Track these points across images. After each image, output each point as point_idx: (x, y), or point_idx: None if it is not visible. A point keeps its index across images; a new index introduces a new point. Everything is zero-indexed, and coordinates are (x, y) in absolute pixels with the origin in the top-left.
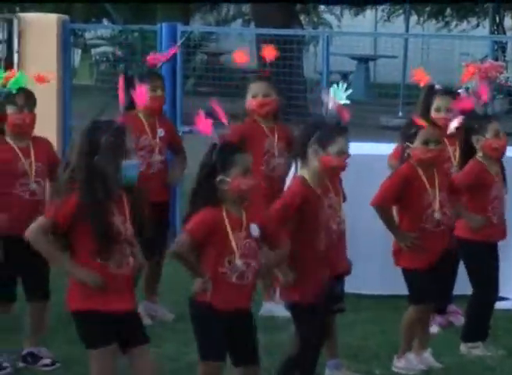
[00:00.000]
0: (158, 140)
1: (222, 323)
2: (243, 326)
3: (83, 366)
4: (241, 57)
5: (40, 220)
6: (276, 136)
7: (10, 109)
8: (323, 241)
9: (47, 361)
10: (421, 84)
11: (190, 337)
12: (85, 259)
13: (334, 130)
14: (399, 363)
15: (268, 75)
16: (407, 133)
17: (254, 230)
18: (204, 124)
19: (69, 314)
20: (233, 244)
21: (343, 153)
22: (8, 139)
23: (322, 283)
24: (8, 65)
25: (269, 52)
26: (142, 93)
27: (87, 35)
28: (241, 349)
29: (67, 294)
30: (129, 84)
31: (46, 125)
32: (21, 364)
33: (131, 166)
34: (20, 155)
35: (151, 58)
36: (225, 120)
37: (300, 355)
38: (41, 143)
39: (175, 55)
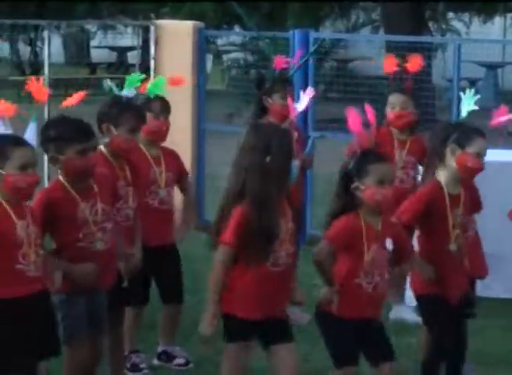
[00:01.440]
0: None
1: (351, 330)
2: (373, 330)
3: (214, 365)
4: (391, 65)
5: (222, 251)
6: (406, 149)
7: (147, 116)
8: (456, 243)
9: (181, 360)
10: None
11: (318, 338)
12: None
13: (473, 131)
14: None
15: (411, 87)
16: None
17: (389, 243)
18: (354, 121)
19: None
20: (368, 254)
21: (481, 154)
22: (141, 145)
23: (457, 286)
24: (144, 71)
25: (414, 64)
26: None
27: (219, 41)
28: (375, 349)
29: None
30: (263, 91)
31: (181, 129)
32: (156, 362)
33: (294, 167)
34: (152, 162)
35: (277, 61)
36: (373, 121)
37: (431, 361)
38: (170, 153)
39: (306, 61)
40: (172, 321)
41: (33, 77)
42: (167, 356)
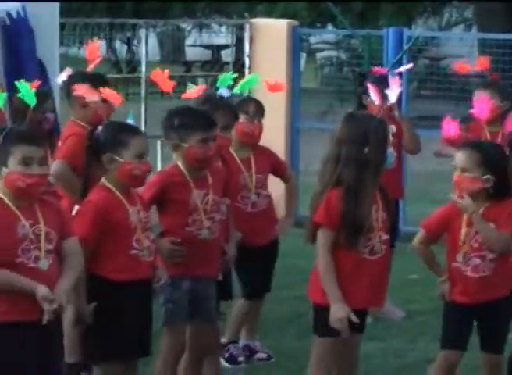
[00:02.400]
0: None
1: (461, 314)
2: (489, 316)
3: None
4: (463, 67)
5: (321, 235)
6: (499, 140)
7: (241, 117)
8: None
9: (263, 355)
10: None
11: (416, 334)
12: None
13: None
14: None
15: (496, 78)
16: None
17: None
18: (450, 127)
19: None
20: (463, 238)
21: None
22: (232, 150)
23: None
24: (238, 69)
25: (483, 63)
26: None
27: (312, 40)
28: (487, 336)
29: (311, 288)
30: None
31: (275, 126)
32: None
33: (390, 154)
34: (242, 167)
35: (377, 70)
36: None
37: None
38: (262, 153)
39: (400, 60)
40: (255, 316)
41: (157, 69)
42: (249, 350)
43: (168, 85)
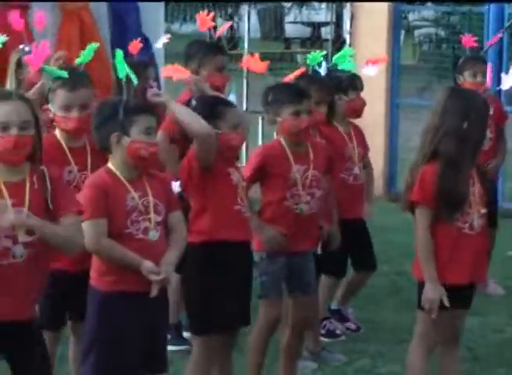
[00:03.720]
0: None
1: None
2: None
3: (388, 332)
4: None
5: (421, 214)
6: None
7: (350, 93)
8: None
9: (352, 326)
10: None
11: None
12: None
13: None
14: None
15: None
16: None
17: None
18: None
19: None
20: None
21: None
22: (336, 122)
23: None
24: (337, 47)
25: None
26: None
27: (411, 17)
28: None
29: (415, 264)
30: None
31: (375, 102)
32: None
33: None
34: (347, 139)
35: (466, 39)
36: None
37: None
38: (357, 128)
39: (501, 38)
40: (358, 287)
41: (249, 55)
42: (340, 316)
43: (261, 67)
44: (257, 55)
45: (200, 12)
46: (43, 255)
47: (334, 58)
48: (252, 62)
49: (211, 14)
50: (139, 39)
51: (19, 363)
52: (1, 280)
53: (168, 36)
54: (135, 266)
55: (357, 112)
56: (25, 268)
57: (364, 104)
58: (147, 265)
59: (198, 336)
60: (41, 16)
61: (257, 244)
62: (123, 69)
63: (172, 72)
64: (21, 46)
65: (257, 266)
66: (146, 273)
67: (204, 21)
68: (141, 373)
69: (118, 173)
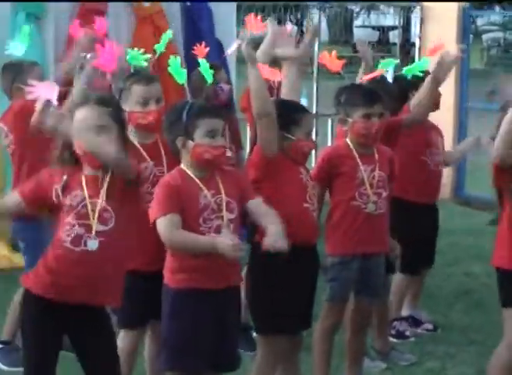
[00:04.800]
0: None
1: None
2: None
3: (462, 330)
4: None
5: None
6: None
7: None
8: None
9: (429, 326)
10: None
11: None
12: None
13: None
14: None
15: None
16: None
17: None
18: None
19: None
20: None
21: None
22: None
23: None
24: (405, 51)
25: None
26: None
27: (479, 21)
28: None
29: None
30: None
31: (444, 106)
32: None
33: None
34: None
35: None
36: None
37: None
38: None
39: None
40: (419, 287)
41: (325, 52)
42: (413, 321)
43: (336, 65)
44: (334, 53)
45: (250, 14)
46: (117, 245)
47: (405, 69)
48: (329, 60)
49: (259, 17)
50: (211, 43)
51: (85, 349)
52: (74, 265)
53: (239, 41)
54: (209, 248)
55: (437, 104)
56: (97, 256)
57: (440, 95)
58: (222, 242)
59: (263, 336)
60: (102, 22)
61: (330, 248)
62: (183, 75)
63: (265, 73)
64: (82, 54)
65: (327, 271)
66: (223, 247)
67: (253, 24)
68: (210, 371)
69: (189, 172)
